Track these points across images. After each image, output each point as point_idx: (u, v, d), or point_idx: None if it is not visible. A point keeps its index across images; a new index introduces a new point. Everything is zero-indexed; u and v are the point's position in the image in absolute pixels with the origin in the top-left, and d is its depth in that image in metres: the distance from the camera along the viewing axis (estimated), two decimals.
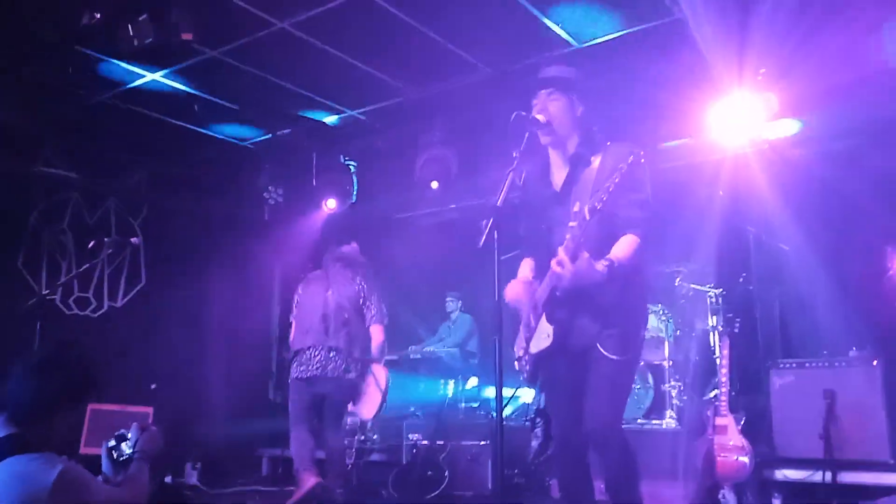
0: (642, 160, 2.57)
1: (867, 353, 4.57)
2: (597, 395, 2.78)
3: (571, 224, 2.64)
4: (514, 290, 2.98)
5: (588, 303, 2.78)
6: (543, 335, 2.84)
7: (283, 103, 6.26)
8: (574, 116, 2.93)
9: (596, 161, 2.88)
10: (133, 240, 5.37)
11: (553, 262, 2.62)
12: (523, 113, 2.85)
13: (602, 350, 2.78)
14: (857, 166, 5.89)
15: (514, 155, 2.75)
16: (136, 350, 6.39)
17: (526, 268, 3.11)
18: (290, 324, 5.09)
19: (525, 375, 3.05)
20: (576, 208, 2.65)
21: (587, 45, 5.24)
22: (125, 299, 6.75)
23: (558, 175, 2.99)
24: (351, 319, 4.82)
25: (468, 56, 5.43)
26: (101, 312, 6.61)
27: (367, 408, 4.85)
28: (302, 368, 4.76)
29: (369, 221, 7.60)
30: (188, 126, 6.57)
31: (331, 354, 4.72)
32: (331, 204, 7.28)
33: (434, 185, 6.93)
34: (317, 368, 4.70)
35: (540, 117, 2.90)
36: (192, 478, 6.38)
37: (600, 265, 2.63)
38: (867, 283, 5.60)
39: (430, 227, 8.19)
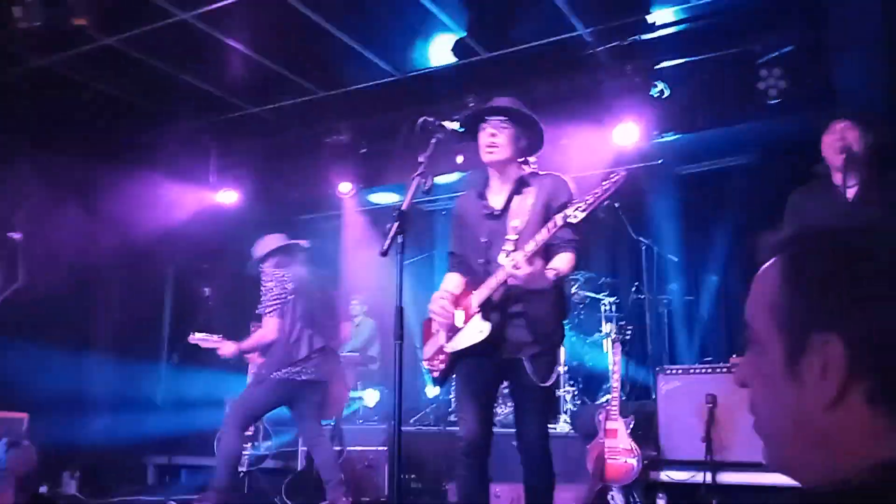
0: (598, 198, 2.73)
1: None
2: (529, 414, 3.00)
3: (510, 237, 2.92)
4: (438, 296, 3.07)
5: (523, 311, 2.97)
6: (476, 330, 2.96)
7: (183, 97, 6.03)
8: (518, 146, 3.11)
9: (534, 187, 3.09)
10: (12, 235, 5.01)
11: (508, 264, 2.76)
12: (430, 119, 2.87)
13: (529, 372, 2.95)
14: (745, 186, 6.28)
15: (420, 160, 2.77)
16: (10, 353, 5.96)
17: (453, 279, 3.20)
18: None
19: (437, 374, 3.15)
20: (514, 223, 2.94)
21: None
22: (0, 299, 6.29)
23: (497, 197, 3.16)
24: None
25: (376, 59, 5.41)
26: None
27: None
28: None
29: (272, 220, 7.42)
30: (79, 117, 6.21)
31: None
32: (230, 198, 7.07)
33: (345, 188, 6.85)
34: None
35: (489, 136, 3.04)
36: (71, 488, 6.00)
37: (550, 272, 2.86)
38: (747, 293, 5.95)
39: (334, 229, 8.10)
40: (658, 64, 5.45)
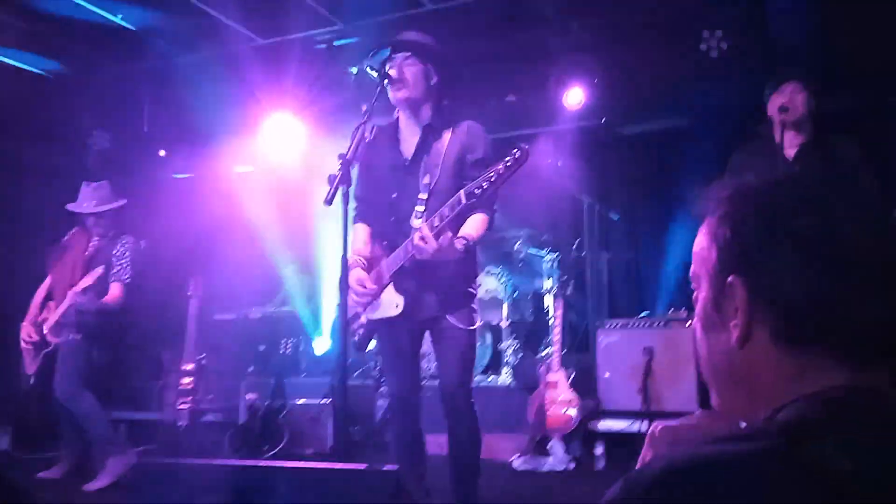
0: (500, 176, 2.57)
1: (683, 315, 5.00)
2: (450, 363, 2.92)
3: (421, 196, 2.77)
4: (359, 275, 2.92)
5: (435, 274, 2.87)
6: (392, 305, 2.89)
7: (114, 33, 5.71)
8: (428, 85, 2.94)
9: (447, 135, 2.93)
10: None
11: (416, 237, 2.65)
12: (374, 65, 2.82)
13: (452, 321, 2.90)
14: (685, 148, 6.39)
15: (364, 109, 2.72)
16: None
17: (361, 233, 3.08)
18: None
19: (357, 338, 3.07)
20: (426, 180, 2.76)
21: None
22: None
23: (408, 143, 3.00)
24: None
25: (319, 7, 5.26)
26: None
27: None
28: None
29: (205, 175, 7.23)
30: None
31: None
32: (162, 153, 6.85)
33: None
34: None
35: (392, 72, 2.87)
36: (2, 443, 5.85)
37: (459, 243, 2.74)
38: (685, 250, 6.12)
39: (274, 182, 7.94)
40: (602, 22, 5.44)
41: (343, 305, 2.60)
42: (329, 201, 2.49)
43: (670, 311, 5.09)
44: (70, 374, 4.42)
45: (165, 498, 1.61)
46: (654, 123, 6.51)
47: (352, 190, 2.61)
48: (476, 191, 2.59)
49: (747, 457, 0.68)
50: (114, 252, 4.58)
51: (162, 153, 6.82)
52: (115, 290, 4.44)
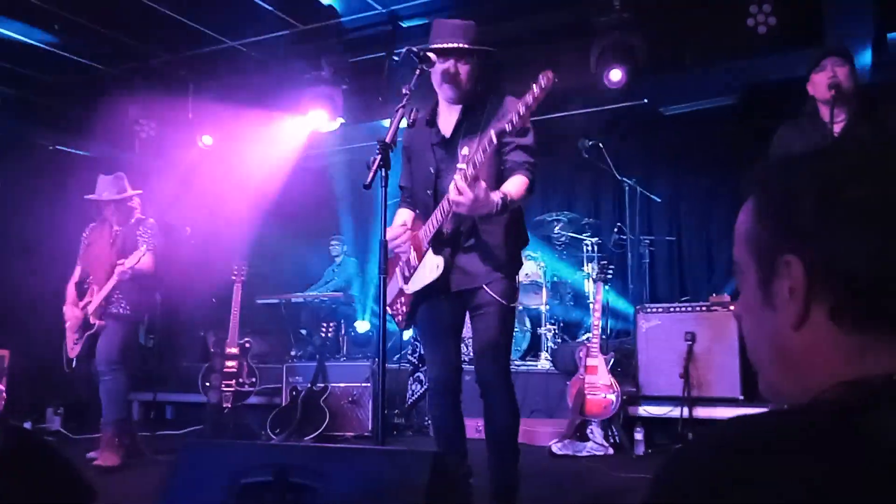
0: (529, 106, 2.52)
1: (726, 299, 4.91)
2: (489, 340, 2.87)
3: (461, 166, 2.65)
4: (394, 232, 2.94)
5: (475, 241, 2.85)
6: (432, 267, 2.85)
7: (154, 28, 5.82)
8: (474, 78, 2.96)
9: (484, 109, 2.93)
10: None
11: (452, 189, 2.59)
12: (415, 49, 2.80)
13: (492, 293, 2.84)
14: (728, 127, 6.23)
15: (405, 91, 2.71)
16: None
17: (404, 214, 3.09)
18: None
19: (400, 318, 3.07)
20: (464, 151, 2.67)
21: None
22: None
23: (447, 122, 3.00)
24: None
25: None
26: None
27: None
28: None
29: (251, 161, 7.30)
30: (45, 48, 6.00)
31: None
32: (207, 140, 6.94)
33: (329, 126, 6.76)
34: None
35: (445, 69, 2.87)
36: (55, 423, 6.05)
37: (496, 195, 2.68)
38: (728, 233, 6.00)
39: (315, 169, 8.01)
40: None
41: (382, 288, 2.60)
42: (368, 185, 2.50)
43: (713, 296, 5.00)
44: (109, 350, 4.60)
45: (211, 478, 1.64)
46: (699, 103, 6.36)
47: (393, 176, 2.60)
48: (507, 127, 2.54)
49: (802, 428, 0.66)
50: (138, 233, 4.75)
51: (206, 140, 6.91)
52: (146, 259, 4.59)
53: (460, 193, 2.57)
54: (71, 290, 4.82)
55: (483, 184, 2.62)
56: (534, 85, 2.48)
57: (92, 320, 4.65)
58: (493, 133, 2.57)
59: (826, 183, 0.76)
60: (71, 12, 5.47)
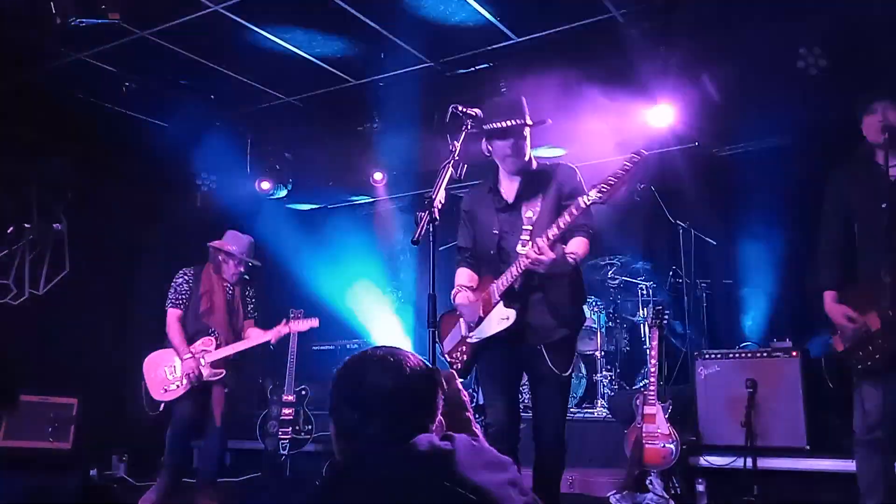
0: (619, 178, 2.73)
1: (788, 345, 4.76)
2: (549, 405, 3.10)
3: (526, 227, 3.00)
4: (463, 295, 3.17)
5: (543, 297, 3.05)
6: (501, 318, 3.03)
7: (217, 88, 6.10)
8: (529, 148, 3.20)
9: (543, 176, 3.18)
10: (56, 226, 5.14)
11: (530, 250, 2.84)
12: (460, 107, 2.87)
13: (551, 366, 3.03)
14: (783, 168, 6.13)
15: (452, 147, 2.78)
16: (60, 339, 6.15)
17: (465, 273, 3.31)
18: None
19: (459, 365, 3.20)
20: (528, 214, 3.02)
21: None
22: (47, 287, 6.47)
23: (508, 188, 3.23)
24: None
25: (408, 46, 5.40)
26: (21, 300, 6.32)
27: None
28: None
29: (303, 210, 7.49)
30: (116, 109, 6.33)
31: None
32: (265, 186, 7.15)
33: (378, 176, 6.96)
34: None
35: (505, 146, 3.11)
36: (120, 470, 6.20)
37: (570, 257, 2.96)
38: (787, 276, 5.85)
39: (365, 217, 8.16)
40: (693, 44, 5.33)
41: (431, 340, 2.63)
42: (416, 241, 2.55)
43: (773, 342, 4.86)
44: (226, 412, 4.77)
45: None
46: (749, 144, 6.28)
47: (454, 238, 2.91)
48: (598, 196, 2.72)
49: None
50: (247, 293, 5.01)
51: (265, 185, 7.12)
52: (255, 334, 4.90)
53: (541, 253, 2.79)
54: (181, 341, 4.71)
55: (561, 246, 2.91)
56: (625, 163, 2.72)
57: (207, 372, 4.67)
58: (581, 200, 2.78)
59: None
60: None
